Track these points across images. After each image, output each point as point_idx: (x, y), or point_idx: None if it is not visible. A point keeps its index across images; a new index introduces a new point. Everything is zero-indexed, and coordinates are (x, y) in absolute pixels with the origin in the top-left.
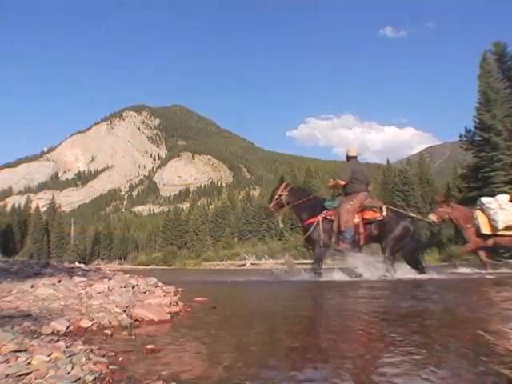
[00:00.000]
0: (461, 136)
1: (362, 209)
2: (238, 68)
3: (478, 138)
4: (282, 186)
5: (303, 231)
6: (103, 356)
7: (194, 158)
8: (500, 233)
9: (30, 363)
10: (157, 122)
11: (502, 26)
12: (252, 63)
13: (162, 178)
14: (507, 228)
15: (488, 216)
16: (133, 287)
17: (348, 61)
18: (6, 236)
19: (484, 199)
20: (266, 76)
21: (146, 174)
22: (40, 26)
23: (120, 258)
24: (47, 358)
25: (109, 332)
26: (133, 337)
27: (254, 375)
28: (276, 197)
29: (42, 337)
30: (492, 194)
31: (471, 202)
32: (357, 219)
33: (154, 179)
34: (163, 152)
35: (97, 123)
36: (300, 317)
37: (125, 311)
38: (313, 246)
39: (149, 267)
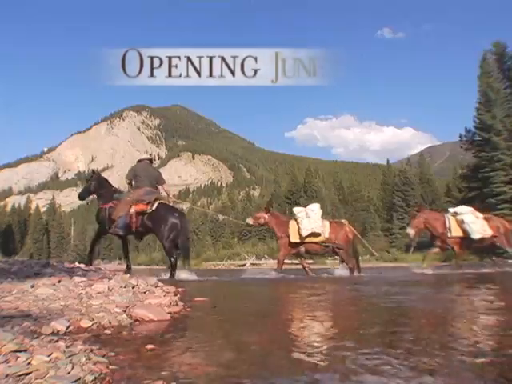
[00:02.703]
0: (461, 136)
1: (138, 202)
2: None
3: (478, 137)
4: (94, 177)
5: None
6: (103, 356)
7: (193, 158)
8: (307, 240)
9: (29, 363)
10: (157, 122)
11: (502, 25)
12: None
13: None
14: (312, 235)
15: (298, 224)
16: (133, 287)
17: (346, 61)
18: (6, 236)
19: (295, 209)
20: None
21: None
22: (40, 26)
23: (120, 258)
24: (47, 358)
25: (109, 332)
26: (133, 337)
27: (255, 375)
28: (87, 185)
29: (42, 337)
30: (492, 194)
31: (471, 201)
32: (132, 210)
33: None
34: (163, 152)
35: (97, 123)
36: (296, 315)
37: (125, 311)
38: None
39: (148, 267)
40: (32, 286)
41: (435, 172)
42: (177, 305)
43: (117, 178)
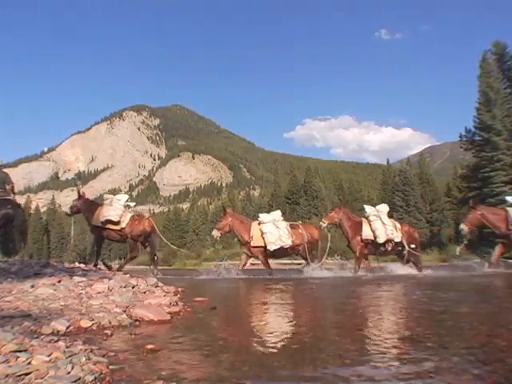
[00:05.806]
0: (461, 136)
1: None
2: (237, 69)
3: (478, 137)
4: None
5: None
6: (103, 356)
7: (194, 158)
8: (107, 226)
9: (30, 363)
10: (157, 122)
11: (502, 26)
12: (251, 63)
13: (162, 178)
14: (109, 222)
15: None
16: (133, 287)
17: (345, 62)
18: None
19: (105, 195)
20: (265, 76)
21: (146, 173)
22: (40, 26)
23: (120, 258)
24: (47, 358)
25: (109, 332)
26: (133, 337)
27: (254, 375)
28: None
29: (42, 337)
30: (492, 194)
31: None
32: None
33: (153, 179)
34: (163, 152)
35: (97, 123)
36: (297, 316)
37: (125, 311)
38: None
39: (149, 267)
40: (32, 286)
41: (435, 172)
42: (177, 305)
43: (117, 178)
